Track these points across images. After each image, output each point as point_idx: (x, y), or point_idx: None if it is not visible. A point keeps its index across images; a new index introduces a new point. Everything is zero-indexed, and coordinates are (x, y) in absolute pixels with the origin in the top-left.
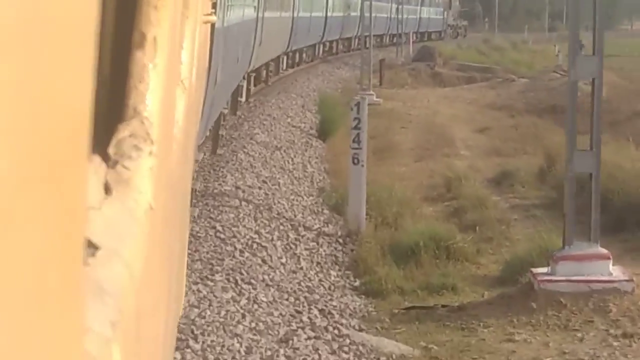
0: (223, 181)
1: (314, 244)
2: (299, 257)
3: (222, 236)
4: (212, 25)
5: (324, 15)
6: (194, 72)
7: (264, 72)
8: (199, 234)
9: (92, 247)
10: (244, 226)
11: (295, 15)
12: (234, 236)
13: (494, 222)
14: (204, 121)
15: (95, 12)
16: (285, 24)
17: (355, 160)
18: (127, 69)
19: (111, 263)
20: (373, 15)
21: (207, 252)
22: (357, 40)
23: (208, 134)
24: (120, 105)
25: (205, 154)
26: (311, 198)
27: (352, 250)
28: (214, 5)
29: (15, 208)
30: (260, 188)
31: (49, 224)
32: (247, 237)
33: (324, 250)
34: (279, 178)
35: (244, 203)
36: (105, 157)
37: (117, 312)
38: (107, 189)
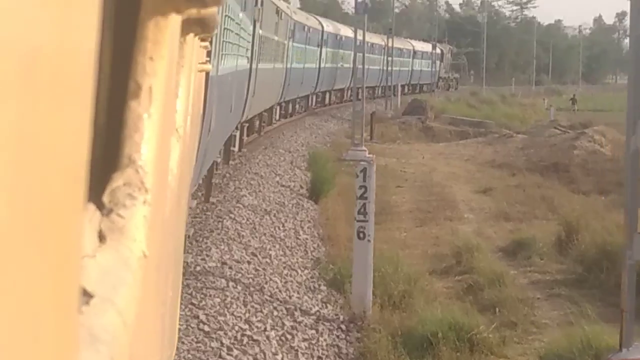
0: (207, 255)
1: (313, 332)
2: (296, 351)
3: (207, 328)
4: (207, 73)
5: (317, 66)
6: (188, 120)
7: (257, 123)
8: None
9: (86, 295)
10: (232, 314)
11: (288, 66)
12: (220, 328)
13: (515, 302)
14: (198, 168)
15: (92, 62)
16: (279, 74)
17: (361, 235)
18: (123, 118)
19: (105, 311)
20: (366, 67)
21: (189, 351)
22: (349, 91)
23: (201, 182)
24: (115, 154)
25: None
26: (306, 272)
27: (357, 339)
28: (209, 54)
29: (10, 255)
30: (249, 262)
31: (44, 272)
32: (236, 328)
33: (325, 340)
34: (269, 249)
35: (231, 283)
36: (100, 206)
37: None
38: (102, 237)
